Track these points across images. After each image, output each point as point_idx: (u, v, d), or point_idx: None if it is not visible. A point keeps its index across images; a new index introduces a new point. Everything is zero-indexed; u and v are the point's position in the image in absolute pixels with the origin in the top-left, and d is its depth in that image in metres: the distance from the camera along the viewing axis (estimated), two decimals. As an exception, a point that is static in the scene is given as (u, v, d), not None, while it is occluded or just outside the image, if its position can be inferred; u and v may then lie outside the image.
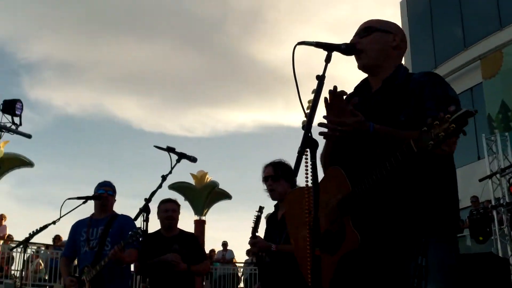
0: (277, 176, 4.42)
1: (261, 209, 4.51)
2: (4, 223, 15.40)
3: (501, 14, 18.34)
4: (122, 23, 38.63)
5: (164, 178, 4.18)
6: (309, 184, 2.31)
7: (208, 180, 18.72)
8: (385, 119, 2.50)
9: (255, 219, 4.49)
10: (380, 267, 2.47)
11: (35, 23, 37.51)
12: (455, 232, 2.48)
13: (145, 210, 4.08)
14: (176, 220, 5.67)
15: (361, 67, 2.76)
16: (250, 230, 4.46)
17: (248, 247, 4.64)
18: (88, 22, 37.96)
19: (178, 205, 5.78)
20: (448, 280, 2.33)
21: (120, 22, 38.98)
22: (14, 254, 15.08)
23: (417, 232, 2.35)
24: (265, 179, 4.50)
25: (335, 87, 2.40)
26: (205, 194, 18.51)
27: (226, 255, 18.14)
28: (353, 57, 2.70)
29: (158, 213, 5.61)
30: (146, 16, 38.51)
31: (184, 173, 18.92)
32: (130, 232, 4.56)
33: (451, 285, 2.34)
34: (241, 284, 18.28)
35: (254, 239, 4.40)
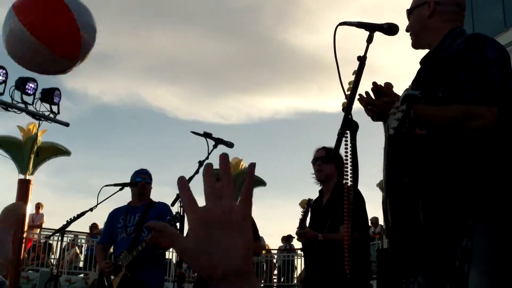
0: (328, 158, 4.41)
1: (310, 202, 4.52)
2: (41, 211, 15.66)
3: (542, -6, 17.84)
4: (157, 12, 38.82)
5: (201, 163, 4.17)
6: (349, 166, 2.28)
7: (243, 167, 18.71)
8: (428, 96, 2.44)
9: (303, 211, 4.49)
10: (431, 249, 2.42)
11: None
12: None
13: (182, 196, 4.06)
14: None
15: (413, 47, 2.76)
16: (296, 220, 4.52)
17: (282, 233, 4.66)
18: (123, 12, 38.24)
19: None
20: (494, 263, 2.19)
21: (155, 11, 39.18)
22: (50, 242, 15.33)
23: (464, 214, 2.25)
24: (315, 160, 4.50)
25: (374, 83, 2.36)
26: (240, 181, 18.47)
27: (258, 242, 18.19)
28: (391, 41, 2.65)
29: None
30: (180, 4, 38.66)
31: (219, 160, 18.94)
32: (167, 217, 4.58)
33: (497, 268, 2.19)
34: (275, 271, 18.32)
35: (301, 229, 4.41)
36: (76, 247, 15.88)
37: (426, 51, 2.71)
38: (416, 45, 2.74)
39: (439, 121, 2.27)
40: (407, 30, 2.66)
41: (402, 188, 2.36)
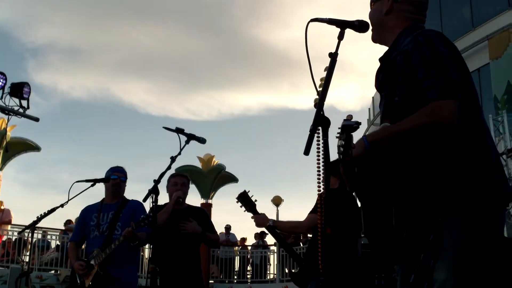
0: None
1: (244, 192, 4.94)
2: (3, 207, 15.36)
3: (510, -7, 18.11)
4: (128, 7, 38.54)
5: (173, 159, 4.14)
6: (321, 162, 2.29)
7: (215, 163, 18.67)
8: (387, 102, 2.46)
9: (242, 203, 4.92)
10: (406, 250, 2.41)
11: (41, 8, 37.44)
12: (483, 205, 2.20)
13: (154, 191, 4.04)
14: (184, 194, 5.61)
15: (372, 41, 2.72)
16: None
17: (255, 230, 4.90)
18: (94, 6, 37.85)
19: (188, 180, 5.68)
20: (462, 260, 2.16)
21: (126, 6, 38.88)
22: (18, 237, 15.10)
23: (435, 213, 2.23)
24: None
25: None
26: (212, 178, 18.45)
27: (230, 238, 18.19)
28: (362, 38, 2.62)
29: (168, 187, 5.55)
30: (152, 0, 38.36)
31: (191, 156, 18.88)
32: (142, 216, 4.57)
33: (465, 265, 2.16)
34: (249, 267, 18.34)
35: (254, 215, 4.82)
36: (55, 249, 15.62)
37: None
38: (374, 39, 2.70)
39: (410, 126, 2.25)
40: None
41: (374, 199, 2.39)
